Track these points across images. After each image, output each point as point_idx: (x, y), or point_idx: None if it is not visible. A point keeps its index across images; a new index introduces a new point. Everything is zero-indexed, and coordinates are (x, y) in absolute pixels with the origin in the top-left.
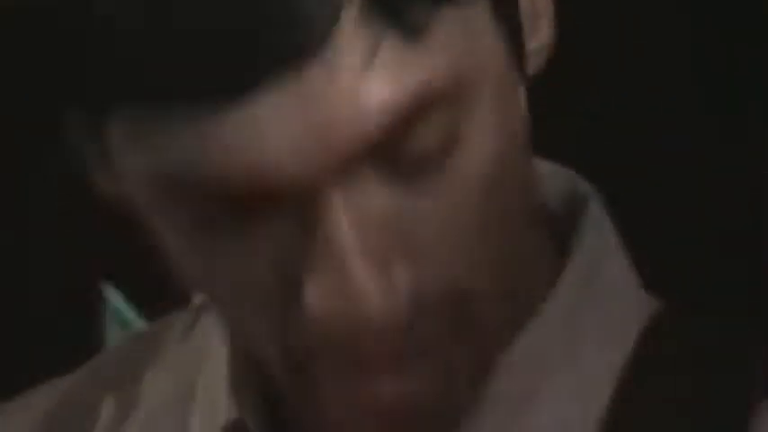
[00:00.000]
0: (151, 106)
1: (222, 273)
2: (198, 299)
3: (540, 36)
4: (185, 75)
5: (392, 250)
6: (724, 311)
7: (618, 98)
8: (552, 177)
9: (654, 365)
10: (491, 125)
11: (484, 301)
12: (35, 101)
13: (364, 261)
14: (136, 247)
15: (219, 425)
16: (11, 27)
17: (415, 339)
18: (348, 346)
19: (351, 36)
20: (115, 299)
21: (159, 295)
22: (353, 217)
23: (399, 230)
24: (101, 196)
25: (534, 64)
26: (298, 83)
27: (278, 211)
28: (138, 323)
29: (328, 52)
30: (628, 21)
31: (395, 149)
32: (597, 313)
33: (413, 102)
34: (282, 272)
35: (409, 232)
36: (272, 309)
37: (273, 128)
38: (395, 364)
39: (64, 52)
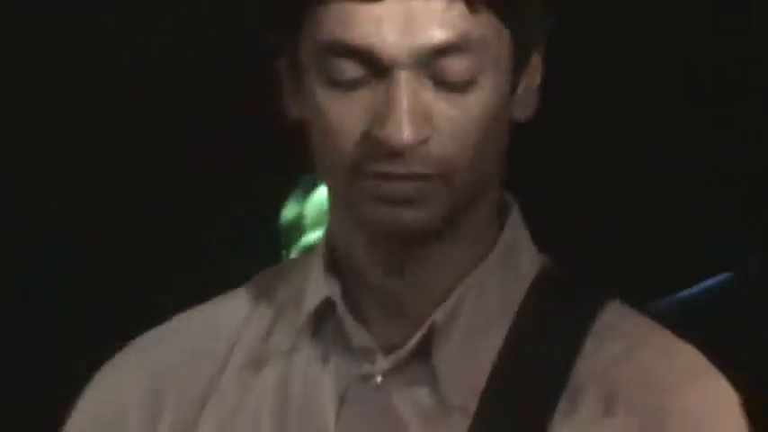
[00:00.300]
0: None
1: (333, 114)
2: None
3: (529, 97)
4: None
5: (424, 124)
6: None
7: (608, 103)
8: None
9: (540, 290)
10: (493, 93)
11: (459, 183)
12: None
13: (410, 117)
14: None
15: (317, 302)
16: None
17: (420, 167)
18: (389, 154)
19: None
20: None
21: None
22: (410, 94)
23: (431, 118)
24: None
25: (523, 110)
26: (410, 3)
27: (374, 81)
28: None
29: None
30: (622, 27)
31: (443, 66)
32: (514, 264)
33: (459, 35)
34: (367, 115)
35: (436, 122)
36: (354, 138)
37: (391, 23)
38: (405, 175)
39: None
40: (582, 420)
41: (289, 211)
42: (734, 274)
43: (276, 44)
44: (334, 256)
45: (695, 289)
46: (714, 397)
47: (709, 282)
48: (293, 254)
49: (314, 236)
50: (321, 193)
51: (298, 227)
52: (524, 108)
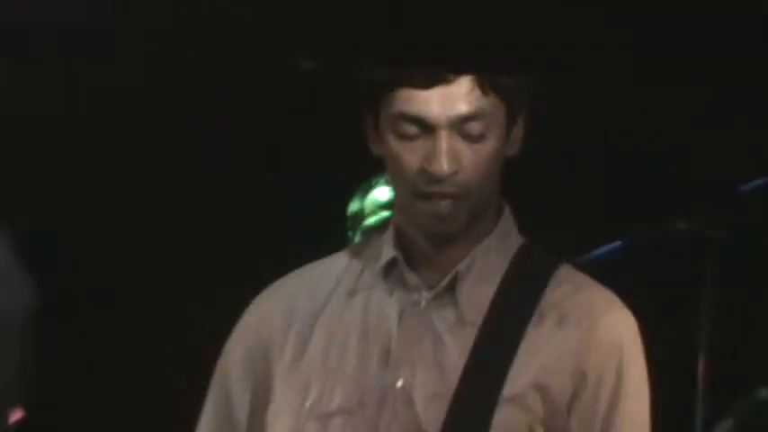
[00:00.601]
0: (411, 85)
1: (401, 156)
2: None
3: (516, 143)
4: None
5: (455, 162)
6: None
7: None
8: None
9: (521, 256)
10: (495, 143)
11: (473, 200)
12: None
13: (447, 157)
14: None
15: (387, 259)
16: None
17: (452, 189)
18: (435, 182)
19: (473, 86)
20: None
21: None
22: (447, 144)
23: (459, 159)
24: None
25: (512, 150)
26: (450, 87)
27: (425, 136)
28: None
29: (464, 85)
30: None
31: (466, 127)
32: (505, 242)
33: (476, 108)
34: (421, 157)
35: (462, 161)
36: (413, 170)
37: (435, 101)
38: (444, 196)
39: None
40: (545, 329)
41: (353, 206)
42: (621, 243)
43: (363, 111)
44: (398, 234)
45: (599, 251)
46: (624, 320)
47: (607, 246)
48: (357, 235)
49: (371, 221)
50: (374, 194)
51: (360, 216)
52: (513, 149)
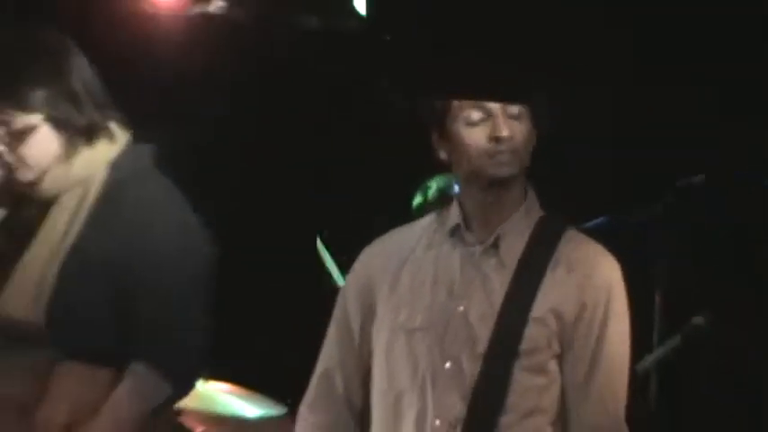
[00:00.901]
0: (471, 96)
1: (468, 138)
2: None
3: (533, 140)
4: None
5: (510, 131)
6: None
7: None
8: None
9: (541, 223)
10: (528, 126)
11: (520, 158)
12: None
13: (506, 127)
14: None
15: (453, 224)
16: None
17: (509, 147)
18: (499, 144)
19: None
20: None
21: None
22: (504, 122)
23: (512, 132)
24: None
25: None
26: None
27: (485, 121)
28: None
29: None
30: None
31: (510, 110)
32: (530, 214)
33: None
34: (485, 134)
35: (512, 131)
36: (480, 142)
37: None
38: (504, 151)
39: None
40: (558, 272)
41: (417, 200)
42: (606, 219)
43: (429, 127)
44: (460, 207)
45: (592, 222)
46: (612, 268)
47: (598, 219)
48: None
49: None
50: (432, 190)
51: (422, 208)
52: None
